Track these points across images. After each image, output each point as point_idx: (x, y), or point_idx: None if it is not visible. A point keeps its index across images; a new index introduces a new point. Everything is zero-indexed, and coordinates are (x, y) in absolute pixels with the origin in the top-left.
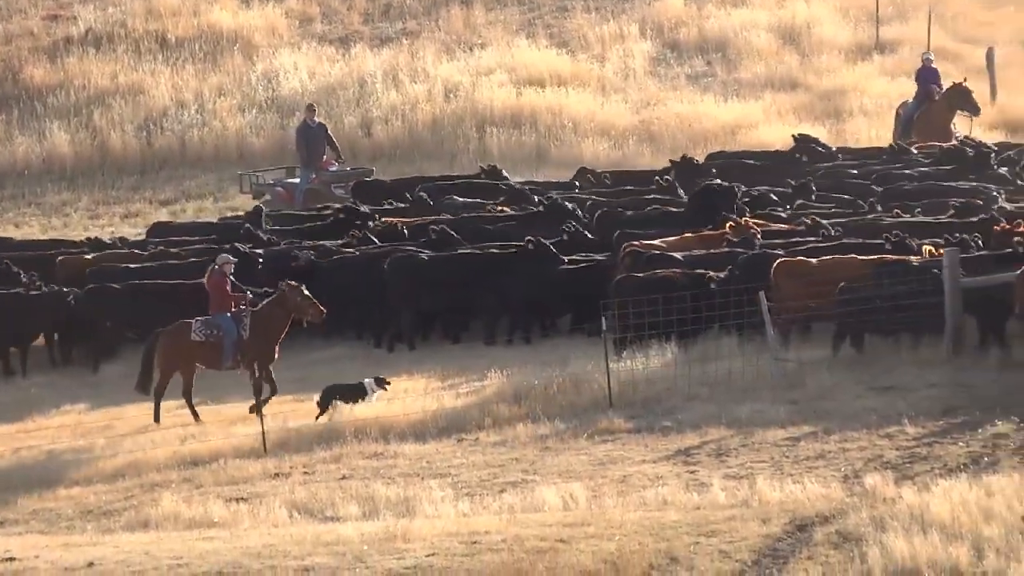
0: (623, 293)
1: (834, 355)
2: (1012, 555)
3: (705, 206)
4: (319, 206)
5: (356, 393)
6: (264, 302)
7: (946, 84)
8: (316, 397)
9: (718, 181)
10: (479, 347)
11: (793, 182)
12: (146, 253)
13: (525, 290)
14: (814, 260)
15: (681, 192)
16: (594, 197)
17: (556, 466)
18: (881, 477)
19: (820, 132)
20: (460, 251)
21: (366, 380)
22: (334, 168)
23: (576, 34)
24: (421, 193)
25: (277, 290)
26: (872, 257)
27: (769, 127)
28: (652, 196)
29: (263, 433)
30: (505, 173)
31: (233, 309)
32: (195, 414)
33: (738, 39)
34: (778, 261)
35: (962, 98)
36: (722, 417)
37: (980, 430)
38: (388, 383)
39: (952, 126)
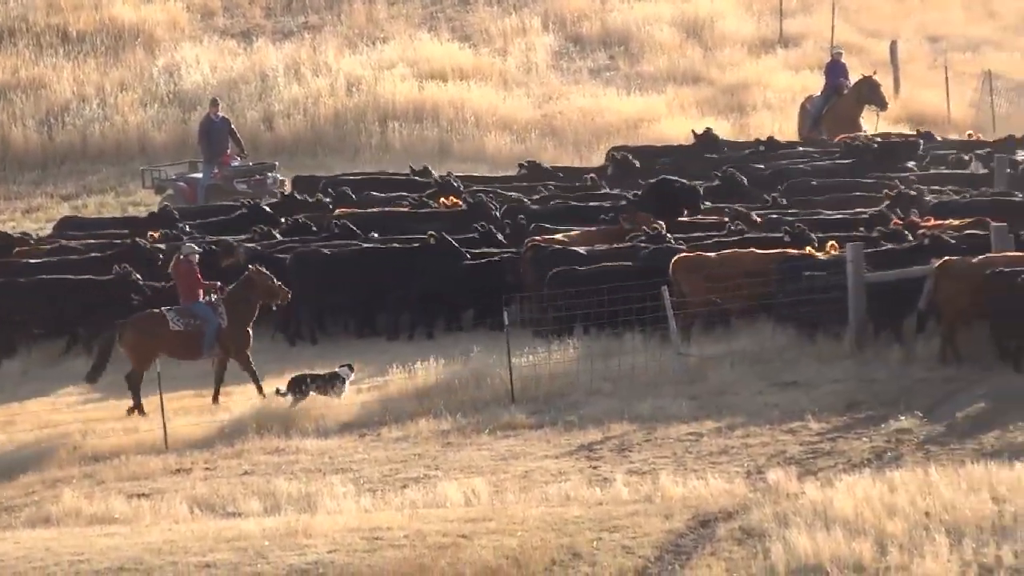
0: (558, 285)
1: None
2: (915, 551)
3: (661, 199)
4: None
5: (332, 382)
6: (231, 288)
7: (853, 78)
8: (279, 387)
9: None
10: (381, 342)
11: (719, 174)
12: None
13: (427, 284)
14: (713, 254)
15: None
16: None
17: (458, 461)
18: (784, 473)
19: (723, 126)
20: (362, 246)
21: (339, 368)
22: (236, 163)
23: (478, 28)
24: (344, 188)
25: (243, 276)
26: (773, 251)
27: (672, 121)
28: (604, 192)
29: (164, 429)
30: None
31: (203, 298)
32: (139, 405)
33: (641, 33)
34: (676, 256)
35: (871, 92)
36: (625, 412)
37: (883, 425)
38: (353, 369)
39: (860, 120)
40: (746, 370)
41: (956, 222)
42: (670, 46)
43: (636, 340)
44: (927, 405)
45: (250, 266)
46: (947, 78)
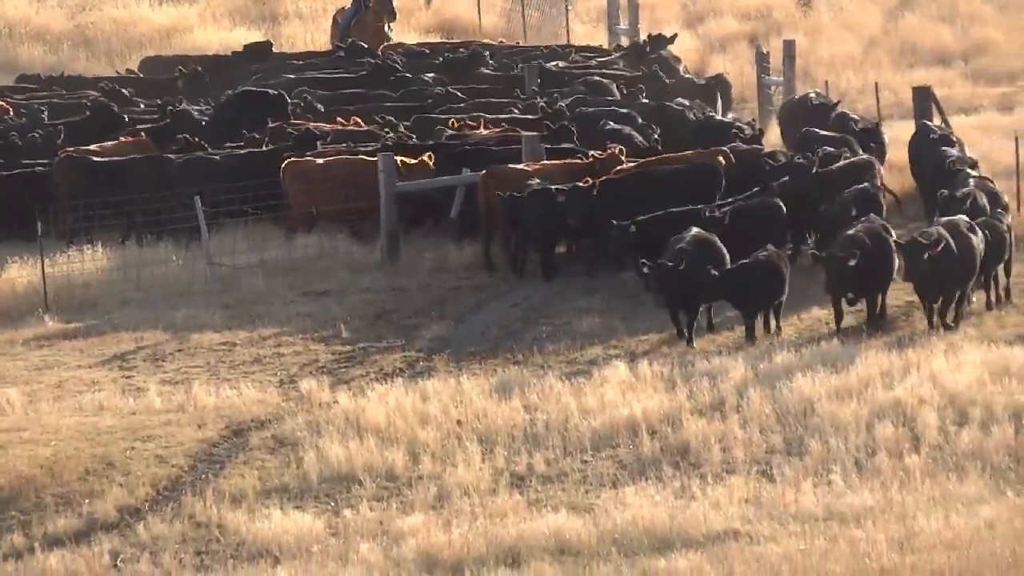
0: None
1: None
2: (448, 459)
3: (246, 109)
4: None
5: None
6: None
7: None
8: None
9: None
10: None
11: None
12: None
13: None
14: (320, 160)
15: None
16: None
17: None
18: (317, 382)
19: (256, 35)
20: None
21: None
22: None
23: None
24: None
25: None
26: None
27: (204, 31)
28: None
29: None
30: None
31: None
32: None
33: None
34: (286, 162)
35: (382, 3)
36: (158, 322)
37: (415, 334)
38: None
39: (387, 29)
40: (277, 279)
41: (493, 131)
42: None
43: (168, 250)
44: (459, 314)
45: None
46: None
